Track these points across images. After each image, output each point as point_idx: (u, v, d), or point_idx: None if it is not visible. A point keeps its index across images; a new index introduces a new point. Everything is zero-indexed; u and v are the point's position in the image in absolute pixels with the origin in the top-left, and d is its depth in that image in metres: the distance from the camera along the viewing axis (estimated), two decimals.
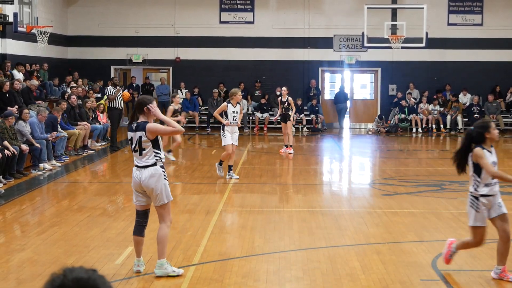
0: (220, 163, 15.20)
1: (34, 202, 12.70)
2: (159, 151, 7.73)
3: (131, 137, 7.79)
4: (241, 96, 15.85)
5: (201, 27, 28.16)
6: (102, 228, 10.30)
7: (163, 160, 7.82)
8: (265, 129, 26.75)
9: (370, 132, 26.84)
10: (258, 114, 27.23)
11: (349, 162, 19.65)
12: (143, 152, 7.69)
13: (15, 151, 14.53)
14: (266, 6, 28.29)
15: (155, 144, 7.71)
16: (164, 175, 7.74)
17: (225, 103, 15.13)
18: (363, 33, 24.56)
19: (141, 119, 7.78)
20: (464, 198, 12.76)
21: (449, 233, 10.05)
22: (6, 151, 14.12)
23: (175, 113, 17.06)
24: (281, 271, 8.10)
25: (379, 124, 26.97)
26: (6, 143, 14.41)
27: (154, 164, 7.70)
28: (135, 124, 7.76)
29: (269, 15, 28.29)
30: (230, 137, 14.93)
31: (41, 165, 16.02)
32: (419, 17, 24.25)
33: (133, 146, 7.76)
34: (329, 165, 19.06)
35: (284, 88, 19.86)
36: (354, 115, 29.17)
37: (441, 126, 26.84)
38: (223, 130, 14.99)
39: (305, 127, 27.03)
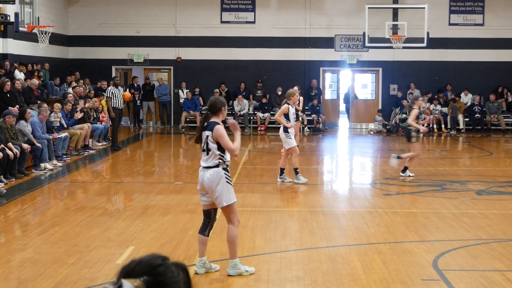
0: (297, 172, 14.28)
1: (35, 202, 12.70)
2: (223, 154, 7.76)
3: (196, 137, 7.90)
4: (298, 96, 14.95)
5: (202, 27, 28.16)
6: (103, 228, 10.30)
7: (227, 163, 7.82)
8: (263, 128, 26.78)
9: (371, 132, 26.83)
10: (260, 114, 27.26)
11: (350, 162, 19.65)
12: (209, 152, 7.76)
13: (17, 152, 14.54)
14: (267, 6, 28.28)
15: (221, 147, 7.74)
16: (227, 178, 7.74)
17: (286, 105, 14.14)
18: (364, 33, 24.54)
19: (213, 119, 7.85)
20: (465, 198, 12.81)
21: (450, 233, 10.05)
22: (8, 151, 14.12)
23: (417, 118, 15.06)
24: (282, 271, 8.11)
25: (380, 120, 27.01)
26: (10, 144, 14.42)
27: (217, 166, 7.74)
28: (206, 123, 7.85)
29: (270, 15, 28.29)
30: (293, 139, 14.24)
31: (42, 164, 16.03)
32: (420, 17, 24.23)
33: (202, 145, 7.83)
34: (330, 165, 19.05)
35: (295, 88, 19.94)
36: (355, 115, 29.15)
37: (442, 126, 26.85)
38: (287, 132, 14.09)
39: (306, 127, 27.02)
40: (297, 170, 14.35)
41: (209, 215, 7.97)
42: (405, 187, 14.27)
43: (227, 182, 7.74)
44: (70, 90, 22.18)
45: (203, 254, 7.99)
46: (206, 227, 7.98)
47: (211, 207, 7.96)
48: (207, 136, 7.74)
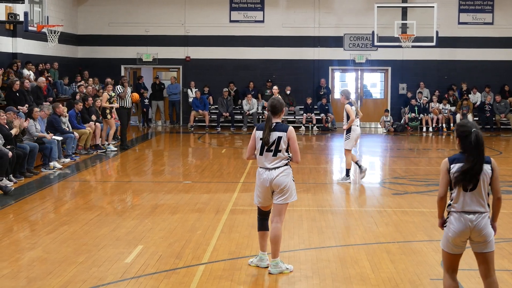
0: None
1: (44, 201, 12.73)
2: (289, 153, 7.95)
3: (264, 137, 7.85)
4: None
5: (211, 26, 28.18)
6: (112, 227, 10.32)
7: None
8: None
9: (384, 131, 26.75)
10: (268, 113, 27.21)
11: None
12: (278, 153, 7.87)
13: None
14: (276, 5, 28.27)
15: (288, 147, 7.96)
16: (292, 176, 8.00)
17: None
18: (373, 32, 24.51)
19: (274, 120, 7.99)
20: None
21: None
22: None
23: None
24: None
25: (386, 121, 26.98)
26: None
27: (286, 165, 7.93)
28: (273, 124, 7.92)
29: (279, 14, 28.28)
30: None
31: (51, 164, 16.07)
32: (430, 16, 24.18)
33: (268, 146, 7.87)
34: (339, 164, 19.02)
35: (275, 87, 20.26)
36: (364, 114, 29.02)
37: (451, 125, 26.78)
38: None
39: (315, 126, 27.00)
40: None
41: (268, 214, 8.18)
42: (414, 186, 14.24)
43: (292, 180, 7.99)
44: (78, 89, 22.19)
45: (264, 248, 8.19)
46: (267, 222, 8.17)
47: (270, 207, 8.17)
48: (280, 137, 7.84)
